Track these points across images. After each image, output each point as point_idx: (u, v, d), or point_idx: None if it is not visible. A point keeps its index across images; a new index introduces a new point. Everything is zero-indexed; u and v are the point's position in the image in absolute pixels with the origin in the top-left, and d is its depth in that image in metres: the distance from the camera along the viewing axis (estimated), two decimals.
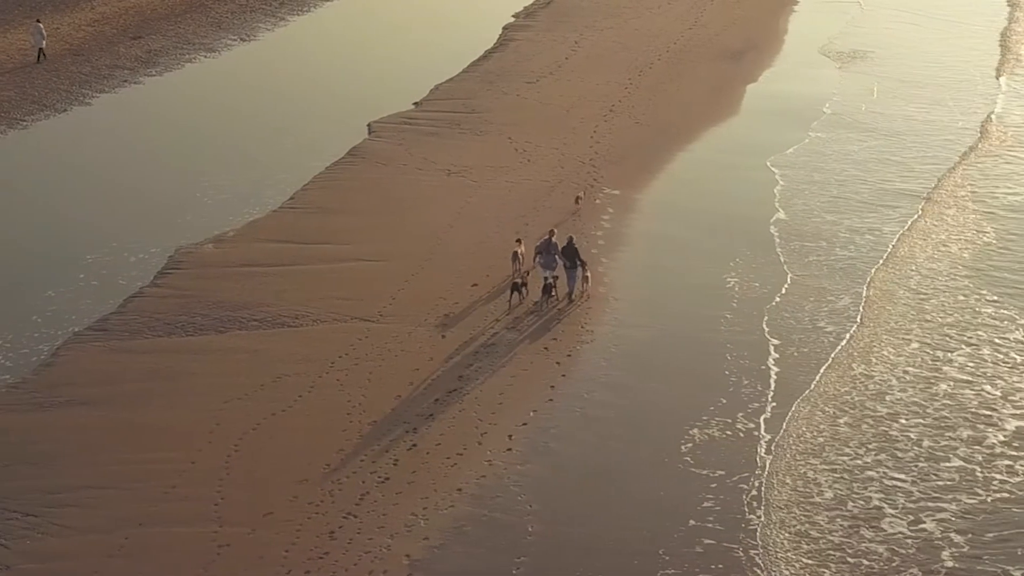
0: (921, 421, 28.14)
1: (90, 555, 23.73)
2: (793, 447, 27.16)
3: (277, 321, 32.18)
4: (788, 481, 26.02)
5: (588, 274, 33.75)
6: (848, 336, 31.63)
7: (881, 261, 35.78)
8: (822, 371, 30.04)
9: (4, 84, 50.39)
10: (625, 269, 35.37)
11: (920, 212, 39.19)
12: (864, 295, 33.74)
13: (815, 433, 27.68)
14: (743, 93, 50.47)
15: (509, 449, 26.96)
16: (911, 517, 24.95)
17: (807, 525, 24.74)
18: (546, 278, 33.16)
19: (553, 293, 33.08)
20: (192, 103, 49.77)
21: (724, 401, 28.86)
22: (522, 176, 41.56)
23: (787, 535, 24.47)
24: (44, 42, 54.10)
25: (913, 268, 35.41)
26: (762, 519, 24.86)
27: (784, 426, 27.90)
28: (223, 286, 34.02)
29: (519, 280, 33.32)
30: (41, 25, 54.45)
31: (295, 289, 33.81)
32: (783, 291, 33.88)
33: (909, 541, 24.30)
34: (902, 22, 62.35)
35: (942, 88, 51.42)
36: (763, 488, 25.75)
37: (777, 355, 30.69)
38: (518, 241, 34.91)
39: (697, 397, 29.05)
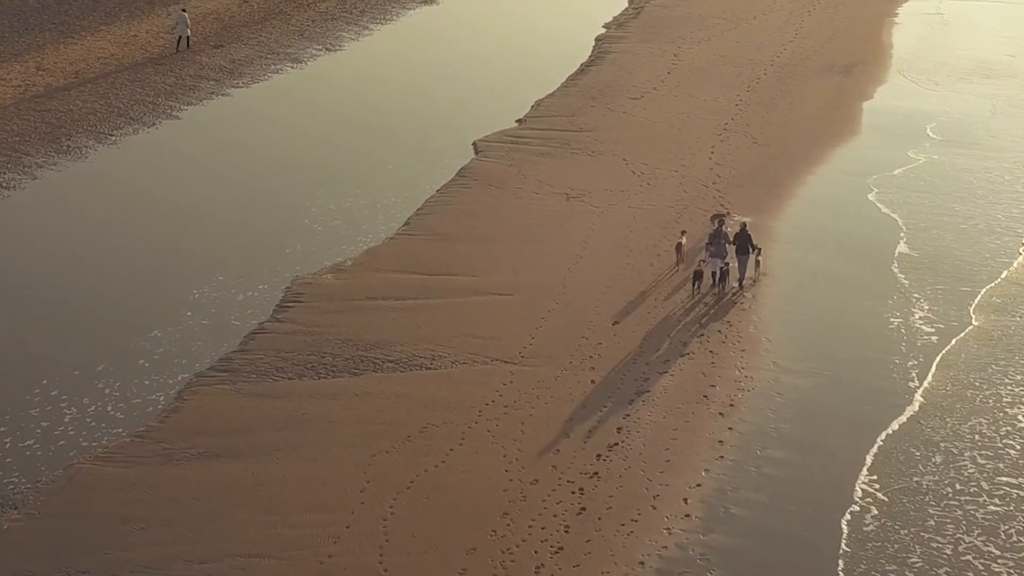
0: None
1: None
2: None
3: (413, 362, 30.03)
4: None
5: (760, 259, 34.10)
6: None
7: None
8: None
9: (86, 95, 48.41)
10: (773, 305, 33.09)
11: None
12: None
13: None
14: (860, 110, 48.18)
15: (687, 515, 24.69)
16: None
17: None
18: (717, 267, 33.43)
19: (727, 280, 33.69)
20: (283, 118, 47.61)
21: (903, 457, 26.68)
22: (644, 201, 39.34)
23: None
24: (188, 31, 53.07)
25: None
26: None
27: None
28: (350, 321, 31.89)
29: (699, 269, 33.58)
30: (186, 14, 53.70)
31: (426, 326, 31.67)
32: (961, 335, 31.66)
33: None
34: (999, 36, 60.14)
35: None
36: None
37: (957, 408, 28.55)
38: (683, 232, 35.17)
39: (878, 452, 26.84)
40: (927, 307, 32.77)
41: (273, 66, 53.11)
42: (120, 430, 27.45)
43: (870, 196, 39.92)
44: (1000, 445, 27.06)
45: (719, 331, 31.65)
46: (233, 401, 28.53)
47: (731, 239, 33.69)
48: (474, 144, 44.46)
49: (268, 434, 27.19)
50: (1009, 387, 29.28)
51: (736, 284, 33.86)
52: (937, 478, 25.92)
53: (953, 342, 31.18)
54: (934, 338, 31.32)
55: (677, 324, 31.95)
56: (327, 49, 55.94)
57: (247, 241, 36.66)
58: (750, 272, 33.98)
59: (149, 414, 28.08)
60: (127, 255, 36.00)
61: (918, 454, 26.73)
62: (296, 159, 43.34)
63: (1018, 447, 27.02)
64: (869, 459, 26.65)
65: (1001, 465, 26.38)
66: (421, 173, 41.80)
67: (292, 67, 53.31)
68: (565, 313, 32.42)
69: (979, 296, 33.52)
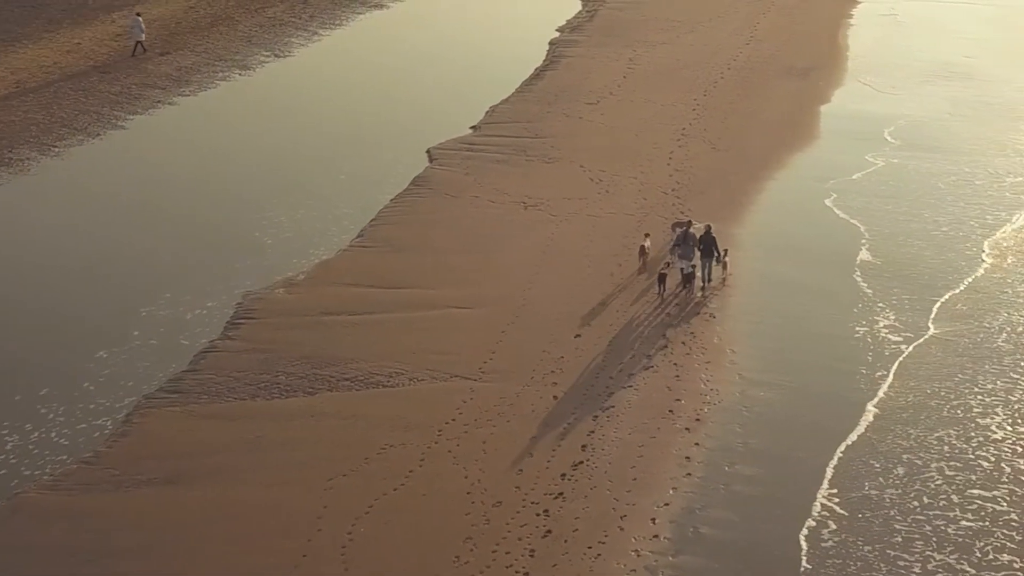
0: None
1: None
2: None
3: (370, 380, 29.12)
4: None
5: (727, 260, 33.85)
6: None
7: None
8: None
9: (28, 105, 47.18)
10: (737, 315, 32.40)
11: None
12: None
13: None
14: (818, 114, 47.65)
15: (656, 536, 23.94)
16: None
17: None
18: (683, 269, 33.10)
19: (693, 283, 33.34)
20: (232, 127, 46.57)
21: (877, 465, 26.06)
22: (604, 209, 38.60)
23: None
24: (143, 35, 52.25)
25: None
26: None
27: None
28: (304, 338, 30.94)
29: (664, 272, 33.23)
30: (140, 18, 52.96)
31: (384, 342, 30.75)
32: (927, 344, 31.07)
33: None
34: (955, 36, 59.92)
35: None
36: None
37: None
38: (646, 235, 34.91)
39: (839, 464, 26.21)
40: (892, 316, 32.17)
41: (221, 73, 51.98)
42: (66, 457, 26.40)
43: (830, 202, 39.33)
44: (972, 457, 26.49)
45: (683, 343, 30.96)
46: (184, 424, 27.53)
47: (697, 241, 33.33)
48: (428, 152, 43.57)
49: (221, 458, 26.23)
50: (979, 396, 28.72)
51: (701, 286, 33.51)
52: (900, 491, 25.28)
53: (919, 351, 30.59)
54: (900, 347, 30.73)
55: (640, 335, 31.23)
56: (276, 55, 54.88)
57: (196, 256, 35.57)
58: (716, 275, 33.70)
59: (96, 439, 27.05)
60: (71, 272, 34.85)
61: (878, 466, 26.10)
62: (246, 170, 42.30)
63: (992, 459, 26.46)
64: (830, 471, 26.02)
65: (973, 477, 25.81)
66: (374, 182, 40.87)
67: (240, 74, 52.22)
68: (526, 326, 31.62)
69: (943, 304, 32.93)
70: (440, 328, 31.53)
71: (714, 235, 33.48)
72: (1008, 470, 26.03)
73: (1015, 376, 29.58)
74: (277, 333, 31.26)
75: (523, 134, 45.08)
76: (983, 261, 35.43)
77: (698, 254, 33.22)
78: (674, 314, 32.29)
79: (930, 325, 31.83)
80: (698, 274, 33.53)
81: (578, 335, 31.19)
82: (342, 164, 42.61)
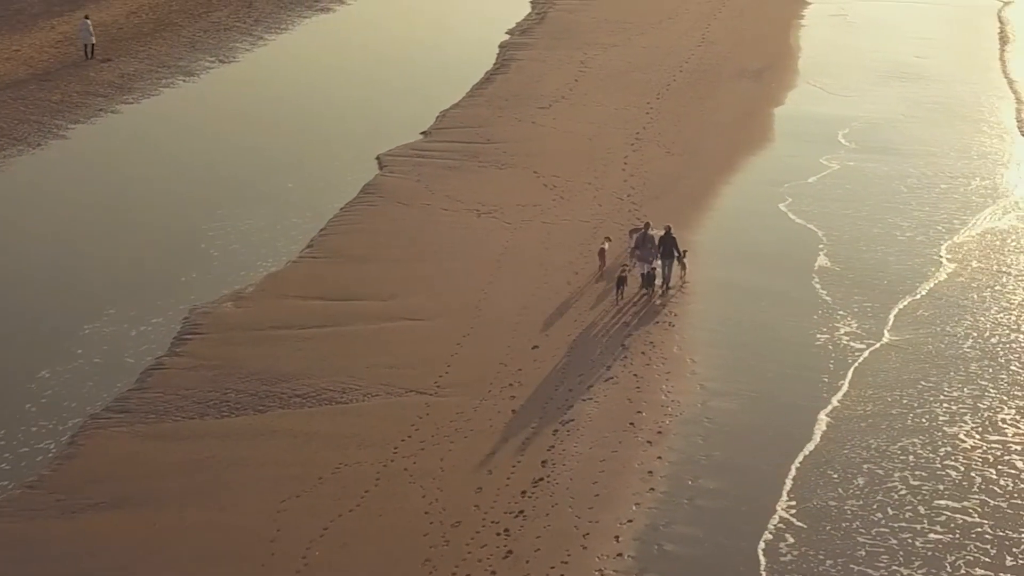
0: None
1: None
2: None
3: (323, 396, 28.30)
4: None
5: (686, 261, 33.56)
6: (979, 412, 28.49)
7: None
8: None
9: None
10: (696, 323, 31.87)
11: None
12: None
13: None
14: (772, 117, 47.26)
15: (620, 554, 23.30)
16: None
17: None
18: (643, 271, 32.85)
19: (654, 285, 33.08)
20: (176, 136, 45.41)
21: (835, 476, 25.57)
22: (558, 216, 37.95)
23: None
24: (93, 38, 51.53)
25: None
26: None
27: None
28: (254, 354, 30.06)
29: (624, 275, 32.78)
30: (89, 21, 52.11)
31: (336, 356, 29.94)
32: (889, 351, 30.60)
33: None
34: (906, 36, 59.83)
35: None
36: None
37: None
38: (606, 239, 34.70)
39: (797, 475, 25.70)
40: (852, 322, 31.69)
41: (164, 80, 50.84)
42: (7, 482, 25.37)
43: (786, 206, 38.88)
44: (938, 466, 26.03)
45: (643, 352, 30.36)
46: (131, 445, 26.60)
47: (657, 243, 33.03)
48: (378, 158, 42.74)
49: (170, 480, 25.33)
50: (945, 404, 28.29)
51: (662, 288, 33.24)
52: (862, 502, 24.80)
53: (879, 358, 30.15)
54: (861, 354, 30.28)
55: (599, 345, 30.62)
56: (220, 61, 53.79)
57: (141, 269, 34.56)
58: (676, 276, 33.45)
59: (40, 463, 26.03)
60: (8, 289, 33.80)
61: (836, 476, 25.60)
62: (190, 179, 41.22)
63: (960, 468, 26.01)
64: (789, 483, 25.51)
65: (941, 487, 25.35)
66: (323, 191, 40.00)
67: (184, 81, 51.10)
68: (482, 338, 30.92)
69: (903, 310, 32.53)
70: (394, 341, 30.76)
71: (674, 236, 33.14)
72: (978, 480, 25.59)
73: (981, 383, 29.17)
74: (226, 349, 30.37)
75: (475, 139, 44.37)
76: (943, 265, 35.08)
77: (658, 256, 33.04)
78: (632, 322, 31.73)
79: (890, 331, 31.43)
80: (658, 276, 33.20)
81: (536, 346, 30.53)
82: (290, 172, 41.68)
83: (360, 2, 65.62)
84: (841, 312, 32.25)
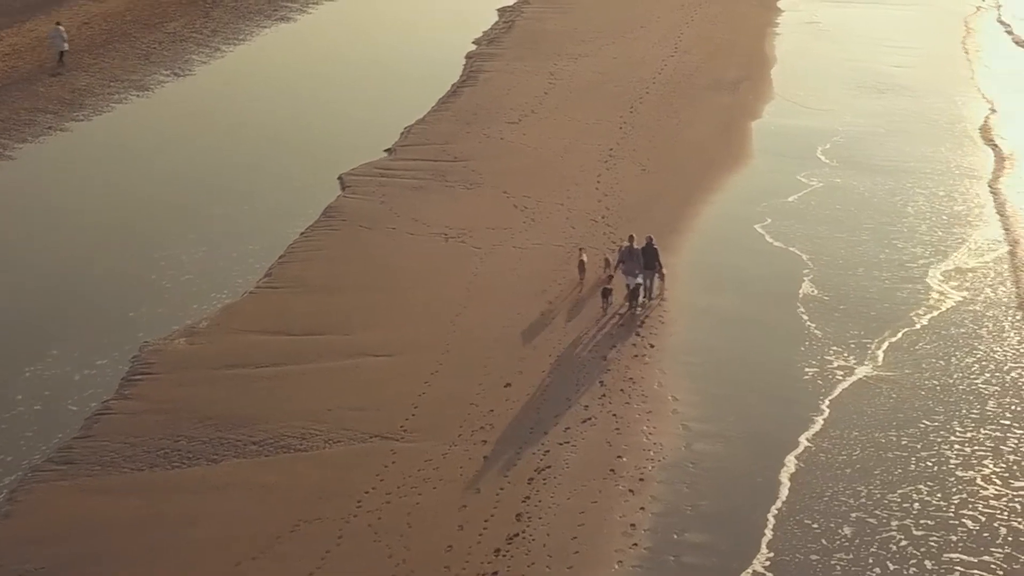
0: None
1: None
2: None
3: (281, 443, 26.43)
4: None
5: (664, 271, 32.87)
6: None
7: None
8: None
9: None
10: (677, 357, 30.14)
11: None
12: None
13: None
14: (750, 131, 45.62)
15: None
16: None
17: None
18: (628, 284, 32.05)
19: (641, 298, 32.30)
20: (129, 155, 43.14)
21: (816, 526, 23.93)
22: (530, 239, 36.18)
23: None
24: (66, 44, 50.00)
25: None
26: None
27: None
28: (208, 395, 28.15)
29: (609, 287, 32.27)
30: (61, 27, 50.50)
31: (295, 398, 28.06)
32: (874, 384, 28.90)
33: None
34: (882, 44, 58.44)
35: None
36: None
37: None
38: (581, 250, 33.93)
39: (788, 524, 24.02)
40: (843, 355, 30.00)
41: (117, 95, 48.65)
42: None
43: (767, 227, 37.18)
44: (951, 516, 24.22)
45: (622, 389, 28.64)
46: (75, 500, 24.70)
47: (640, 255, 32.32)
48: (340, 178, 40.82)
49: (116, 539, 23.48)
50: (957, 446, 26.54)
51: (644, 301, 32.46)
52: (852, 556, 23.14)
53: (872, 394, 28.46)
54: (852, 391, 28.59)
55: (575, 382, 28.87)
56: (176, 74, 51.66)
57: (87, 304, 32.42)
58: (657, 288, 32.81)
59: None
60: None
61: (817, 527, 23.92)
62: (142, 204, 38.88)
63: (981, 518, 24.18)
64: (768, 534, 23.88)
65: (954, 539, 23.58)
66: (282, 214, 37.98)
67: (138, 96, 48.93)
68: (451, 375, 29.12)
69: (896, 342, 30.73)
70: (357, 380, 28.92)
71: (656, 247, 32.16)
72: (1003, 531, 23.84)
73: (1002, 423, 27.33)
74: (178, 390, 28.44)
75: (441, 157, 42.53)
76: (935, 293, 33.34)
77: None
78: (610, 356, 29.98)
79: (885, 365, 29.71)
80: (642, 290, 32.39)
81: (508, 384, 28.76)
82: (247, 195, 39.62)
83: (321, 11, 63.65)
84: (830, 344, 30.58)
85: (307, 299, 32.69)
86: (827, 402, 28.16)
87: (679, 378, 29.24)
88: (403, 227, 36.93)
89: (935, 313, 32.22)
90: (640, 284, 32.23)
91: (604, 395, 28.38)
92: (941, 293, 33.29)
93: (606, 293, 32.09)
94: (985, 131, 46.17)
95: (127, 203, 39.06)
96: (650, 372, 29.45)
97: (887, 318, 31.90)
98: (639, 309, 32.10)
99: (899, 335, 31.07)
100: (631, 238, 32.72)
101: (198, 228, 36.94)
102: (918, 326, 31.55)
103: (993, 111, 48.30)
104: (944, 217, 38.37)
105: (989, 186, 40.88)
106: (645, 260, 32.17)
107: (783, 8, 65.15)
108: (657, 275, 32.64)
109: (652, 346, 30.55)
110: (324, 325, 31.32)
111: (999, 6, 66.02)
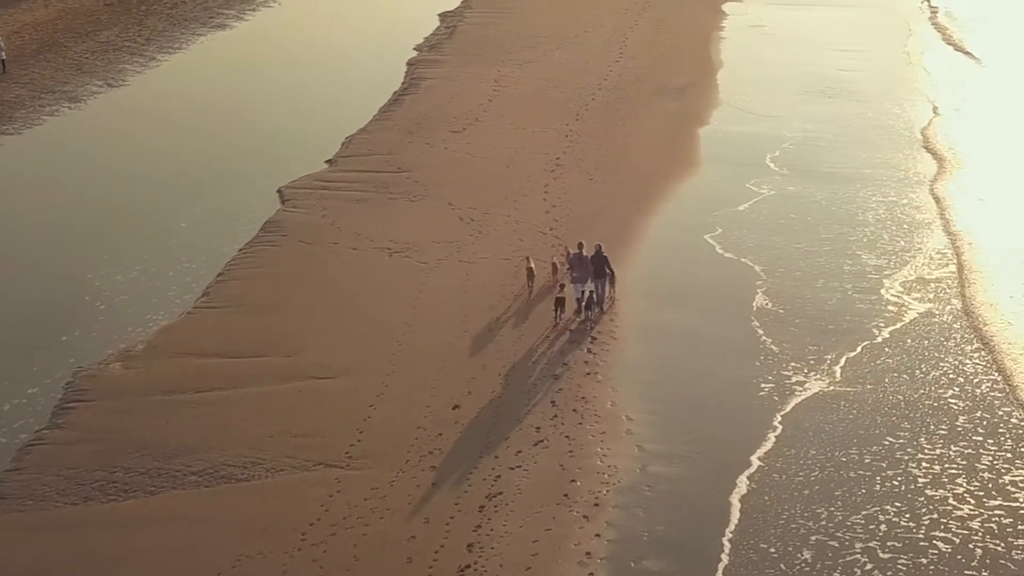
0: None
1: None
2: None
3: (221, 473, 25.37)
4: None
5: (615, 276, 32.40)
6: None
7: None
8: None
9: None
10: (630, 375, 29.32)
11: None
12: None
13: None
14: (697, 138, 45.00)
15: None
16: None
17: None
18: (578, 292, 31.48)
19: (593, 308, 31.70)
20: (60, 169, 41.90)
21: (809, 556, 23.14)
22: (476, 253, 35.30)
23: None
24: (3, 53, 49.14)
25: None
26: None
27: None
28: (144, 423, 27.03)
29: (561, 296, 31.59)
30: None
31: (236, 425, 26.98)
32: (830, 400, 28.18)
33: None
34: (829, 48, 58.07)
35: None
36: None
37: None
38: (528, 258, 33.41)
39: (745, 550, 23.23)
40: (800, 371, 29.23)
41: (48, 107, 47.30)
42: None
43: (718, 238, 36.52)
44: (921, 538, 23.42)
45: (574, 410, 27.80)
46: (5, 538, 23.51)
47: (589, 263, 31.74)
48: (280, 192, 39.77)
49: None
50: (925, 464, 25.76)
51: (596, 310, 31.92)
52: None
53: (830, 411, 27.68)
54: (809, 408, 27.82)
55: (526, 402, 28.00)
56: (109, 85, 50.32)
57: (16, 329, 31.28)
58: (608, 296, 32.33)
59: None
60: None
61: (774, 552, 23.15)
62: (74, 220, 37.74)
63: (955, 540, 23.40)
64: (724, 559, 23.05)
65: (924, 561, 22.75)
66: (220, 230, 36.90)
67: (69, 108, 47.57)
68: (397, 398, 28.15)
69: (859, 354, 30.00)
70: (300, 404, 27.89)
71: (605, 255, 31.63)
72: (979, 553, 23.05)
73: (974, 439, 26.57)
74: (113, 419, 27.31)
75: (384, 168, 41.55)
76: (892, 304, 32.69)
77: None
78: (561, 374, 29.14)
79: (844, 380, 28.96)
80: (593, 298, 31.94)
81: (457, 406, 27.84)
82: (183, 210, 38.46)
83: (258, 18, 62.48)
84: (786, 359, 29.85)
85: (247, 319, 31.62)
86: (783, 419, 27.45)
87: (632, 397, 28.45)
88: (345, 242, 35.94)
89: (896, 325, 31.52)
90: (591, 292, 31.67)
91: (556, 415, 27.54)
92: (900, 304, 32.64)
93: (559, 303, 31.38)
94: (927, 135, 45.84)
95: (57, 222, 37.79)
96: (602, 390, 28.64)
97: (845, 331, 31.23)
98: (591, 316, 31.54)
99: (858, 348, 30.36)
100: (580, 245, 32.18)
101: (133, 246, 35.74)
102: (879, 339, 30.85)
103: (936, 114, 48.02)
104: (902, 225, 37.80)
105: (930, 191, 40.51)
106: (595, 268, 31.53)
107: (728, 12, 64.84)
108: (608, 282, 32.06)
109: (605, 363, 29.75)
110: (265, 346, 30.27)
111: (934, 9, 66.09)
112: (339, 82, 51.89)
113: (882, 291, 33.37)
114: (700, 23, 61.69)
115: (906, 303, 32.67)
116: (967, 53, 57.13)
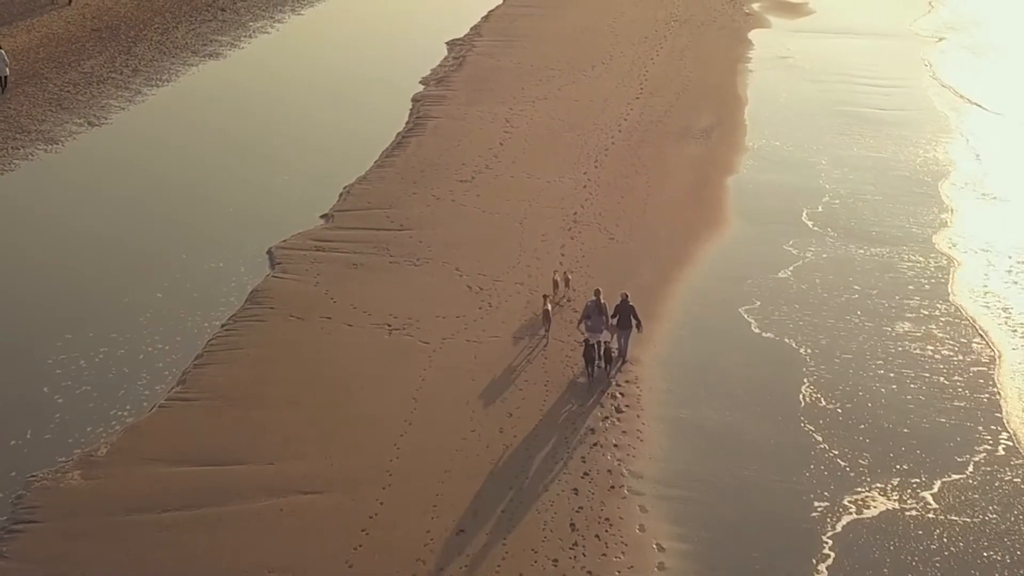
0: None
1: None
2: None
3: None
4: None
5: (642, 324, 30.32)
6: None
7: None
8: None
9: None
10: (659, 489, 25.45)
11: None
12: None
13: None
14: (726, 189, 41.16)
15: None
16: None
17: None
18: (595, 344, 29.41)
19: (599, 363, 29.61)
20: (24, 228, 37.50)
21: None
22: (486, 330, 31.56)
23: None
24: (7, 69, 46.58)
25: None
26: None
27: None
28: (101, 553, 23.31)
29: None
30: (2, 51, 46.81)
31: (204, 557, 23.21)
32: (912, 524, 24.29)
33: None
34: (859, 80, 54.29)
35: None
36: None
37: None
38: (546, 296, 31.75)
39: None
40: (869, 484, 25.44)
41: (21, 150, 43.29)
42: None
43: (756, 313, 32.68)
44: None
45: (597, 536, 24.11)
46: None
47: (611, 312, 29.80)
48: (270, 252, 35.97)
49: None
50: None
51: (618, 363, 30.00)
52: None
53: (915, 549, 23.94)
54: (884, 536, 24.09)
55: (542, 526, 24.23)
56: (90, 123, 46.34)
57: None
58: (631, 348, 30.35)
59: None
60: None
61: None
62: (32, 288, 33.62)
63: None
64: None
65: None
66: (201, 301, 33.05)
67: (45, 150, 43.55)
68: (393, 519, 24.40)
69: (938, 476, 25.94)
70: (281, 527, 24.13)
71: (632, 303, 29.71)
72: None
73: None
74: (66, 545, 23.58)
75: (385, 225, 37.76)
76: (1001, 402, 28.72)
77: (613, 324, 29.82)
78: (583, 489, 25.39)
79: (938, 507, 25.07)
80: (614, 349, 30.06)
81: (462, 530, 24.14)
82: (160, 276, 34.40)
83: (253, 46, 58.64)
84: (846, 467, 26.03)
85: (225, 416, 27.84)
86: (851, 555, 23.60)
87: (663, 518, 24.70)
88: (340, 316, 32.20)
89: (979, 438, 27.41)
90: (605, 343, 29.55)
91: (576, 544, 23.81)
92: (1006, 404, 28.54)
93: (589, 359, 29.37)
94: (975, 183, 42.17)
95: (8, 291, 33.73)
96: (629, 510, 24.89)
97: (926, 439, 27.29)
98: (610, 371, 29.62)
99: (953, 477, 26.00)
100: (597, 292, 29.72)
101: (100, 321, 31.82)
102: (965, 459, 26.65)
103: (979, 159, 44.34)
104: (965, 300, 33.94)
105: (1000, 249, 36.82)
106: (621, 318, 29.58)
107: (752, 40, 60.87)
108: (635, 330, 29.94)
109: (629, 471, 26.01)
110: (244, 451, 26.50)
111: (941, 39, 62.65)
112: (339, 119, 48.09)
113: (976, 387, 29.30)
114: (724, 54, 57.76)
115: (1009, 405, 28.67)
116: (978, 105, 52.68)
